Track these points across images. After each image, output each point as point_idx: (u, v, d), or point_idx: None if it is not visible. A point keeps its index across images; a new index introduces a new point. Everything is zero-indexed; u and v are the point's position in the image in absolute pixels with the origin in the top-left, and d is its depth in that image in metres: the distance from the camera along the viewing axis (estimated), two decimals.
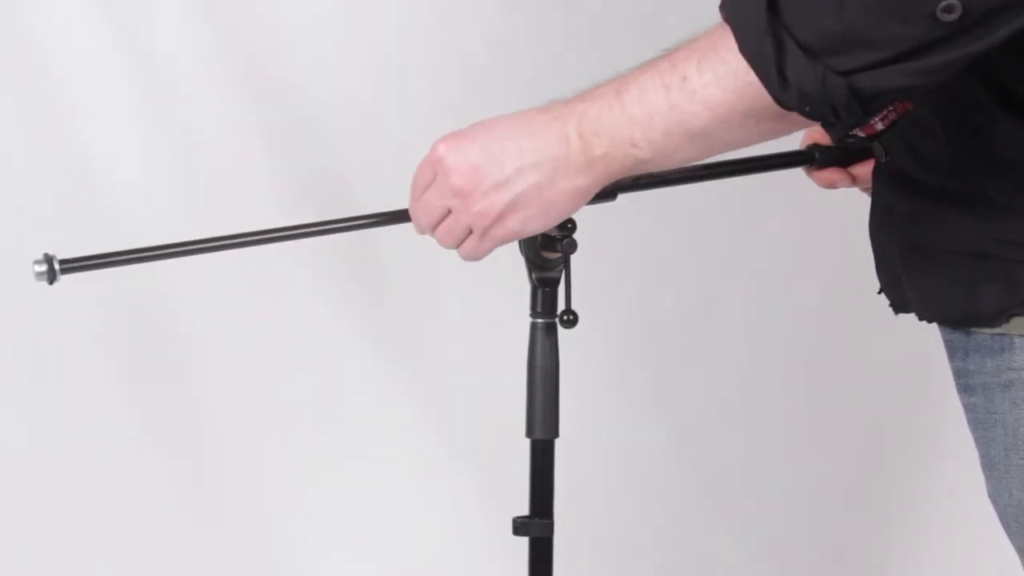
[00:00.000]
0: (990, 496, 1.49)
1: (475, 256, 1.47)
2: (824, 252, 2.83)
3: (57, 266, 1.56)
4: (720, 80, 1.32)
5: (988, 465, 1.48)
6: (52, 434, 2.64)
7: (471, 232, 1.45)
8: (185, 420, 2.69)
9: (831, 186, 1.70)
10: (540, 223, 1.43)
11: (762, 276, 2.85)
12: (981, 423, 1.47)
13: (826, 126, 1.35)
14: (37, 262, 1.55)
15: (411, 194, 1.50)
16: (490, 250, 1.47)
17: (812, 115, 1.30)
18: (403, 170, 2.66)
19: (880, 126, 1.38)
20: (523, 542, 1.57)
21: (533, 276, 1.55)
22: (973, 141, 1.39)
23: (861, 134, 1.39)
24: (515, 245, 1.54)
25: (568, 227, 1.51)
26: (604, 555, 2.81)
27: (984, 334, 1.43)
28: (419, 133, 2.69)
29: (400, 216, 1.56)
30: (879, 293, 1.58)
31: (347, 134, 2.68)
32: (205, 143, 2.64)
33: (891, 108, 1.37)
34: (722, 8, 1.33)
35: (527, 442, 1.57)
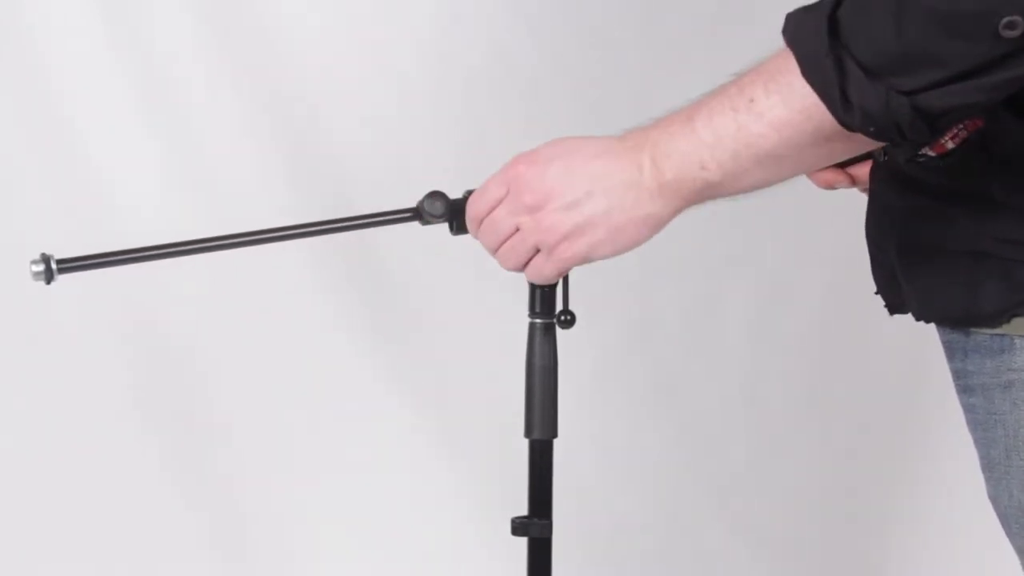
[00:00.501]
0: (990, 497, 1.49)
1: (542, 277, 1.48)
2: (824, 252, 2.83)
3: (54, 266, 1.55)
4: (786, 102, 1.32)
5: (988, 466, 1.48)
6: (52, 435, 2.64)
7: (538, 251, 1.46)
8: (184, 419, 2.69)
9: (830, 186, 1.69)
10: (608, 249, 1.44)
11: (762, 276, 2.85)
12: (981, 424, 1.47)
13: (894, 146, 1.35)
14: (34, 262, 1.55)
15: (474, 208, 1.49)
16: (558, 272, 1.47)
17: (877, 135, 1.30)
18: (402, 170, 2.68)
19: (951, 144, 1.38)
20: (522, 542, 1.57)
21: None
22: (977, 140, 1.39)
23: (931, 153, 1.39)
24: None
25: None
26: (603, 555, 2.81)
27: (983, 334, 1.43)
28: (419, 133, 2.72)
29: (400, 216, 1.56)
30: (876, 294, 1.58)
31: (347, 134, 2.68)
32: (205, 143, 2.64)
33: (961, 126, 1.37)
34: (784, 32, 1.34)
35: (526, 442, 1.57)
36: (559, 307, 1.54)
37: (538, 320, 1.54)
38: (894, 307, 1.55)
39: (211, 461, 2.70)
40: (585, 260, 1.46)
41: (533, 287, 1.54)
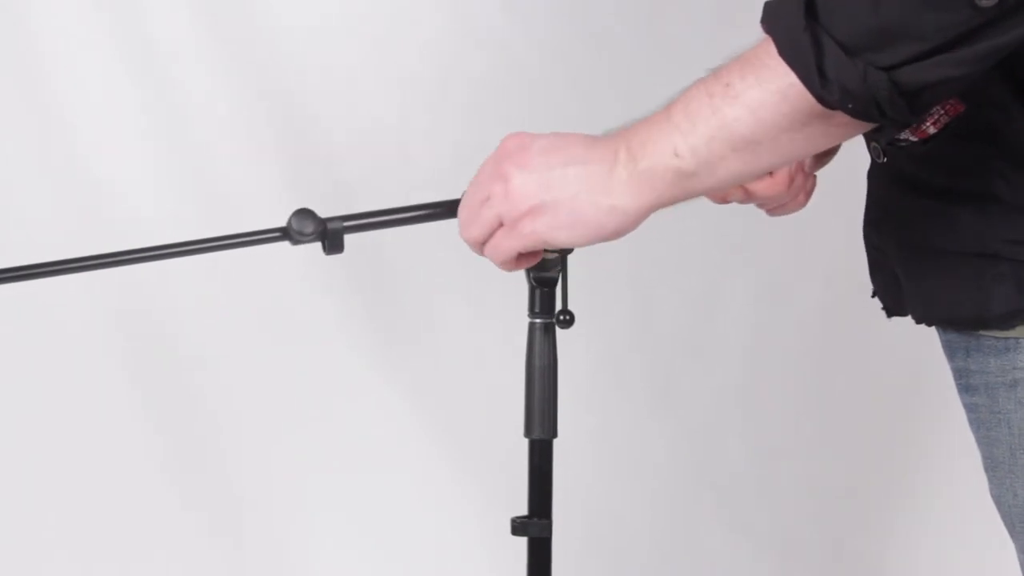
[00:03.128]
0: (993, 496, 1.48)
1: (499, 252, 1.43)
2: (824, 252, 2.83)
3: None
4: (762, 83, 1.31)
5: (991, 465, 1.47)
6: (53, 433, 2.64)
7: (501, 225, 1.43)
8: (185, 421, 2.69)
9: (724, 201, 1.63)
10: (565, 235, 1.40)
11: (762, 276, 2.85)
12: (984, 423, 1.46)
13: (876, 130, 1.35)
14: None
15: (466, 200, 1.46)
16: (514, 249, 1.42)
17: (856, 113, 1.29)
18: (403, 171, 2.69)
19: (932, 130, 1.37)
20: (522, 542, 1.57)
21: (531, 276, 1.55)
22: (984, 138, 1.38)
23: (913, 138, 1.38)
24: None
25: None
26: (603, 555, 2.81)
27: (990, 337, 1.43)
28: (420, 134, 2.72)
29: (269, 236, 1.54)
30: (873, 297, 1.58)
31: (348, 134, 2.69)
32: (205, 144, 2.65)
33: (943, 111, 1.36)
34: (763, 21, 1.33)
35: (526, 442, 1.57)
36: (558, 307, 1.54)
37: (537, 320, 1.54)
38: (892, 310, 1.54)
39: (209, 461, 2.70)
40: (542, 243, 1.41)
41: (533, 287, 1.54)
